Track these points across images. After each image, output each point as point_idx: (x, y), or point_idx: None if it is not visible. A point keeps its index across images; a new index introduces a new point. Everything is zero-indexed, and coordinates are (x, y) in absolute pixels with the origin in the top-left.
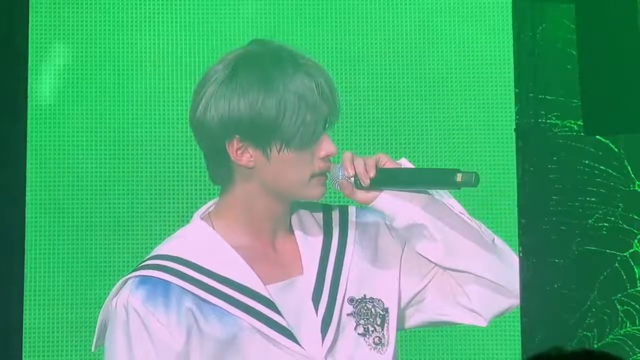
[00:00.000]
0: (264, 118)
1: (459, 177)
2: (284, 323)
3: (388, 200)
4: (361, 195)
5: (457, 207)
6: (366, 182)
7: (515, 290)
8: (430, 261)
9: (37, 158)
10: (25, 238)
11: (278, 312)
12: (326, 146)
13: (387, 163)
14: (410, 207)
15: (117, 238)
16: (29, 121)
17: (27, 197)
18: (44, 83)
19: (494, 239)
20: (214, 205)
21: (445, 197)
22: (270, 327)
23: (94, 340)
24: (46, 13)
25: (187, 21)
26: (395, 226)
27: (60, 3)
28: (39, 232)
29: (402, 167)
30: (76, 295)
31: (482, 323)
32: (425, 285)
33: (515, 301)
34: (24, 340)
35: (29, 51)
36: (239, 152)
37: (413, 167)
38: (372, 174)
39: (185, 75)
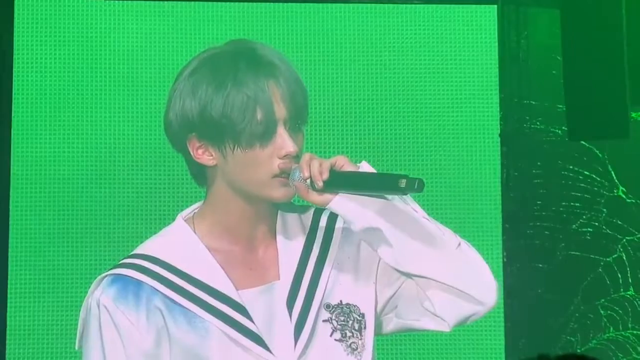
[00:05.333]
0: (212, 116)
1: (402, 183)
2: (254, 328)
3: (343, 204)
4: (316, 197)
5: (420, 212)
6: (319, 184)
7: (480, 297)
8: (390, 265)
9: (21, 160)
10: (9, 239)
11: (249, 317)
12: (285, 146)
13: (345, 165)
14: (364, 211)
15: (100, 239)
16: (13, 123)
17: (10, 199)
18: (28, 85)
19: (459, 244)
20: (199, 207)
21: (407, 201)
22: (239, 332)
23: (77, 337)
24: (31, 15)
25: (172, 22)
26: (352, 229)
27: (45, 6)
28: (22, 233)
29: (359, 170)
30: (59, 296)
31: (446, 328)
32: (396, 291)
33: (481, 308)
34: (7, 339)
35: (14, 53)
36: (199, 150)
37: (373, 170)
38: (325, 176)
39: (171, 75)
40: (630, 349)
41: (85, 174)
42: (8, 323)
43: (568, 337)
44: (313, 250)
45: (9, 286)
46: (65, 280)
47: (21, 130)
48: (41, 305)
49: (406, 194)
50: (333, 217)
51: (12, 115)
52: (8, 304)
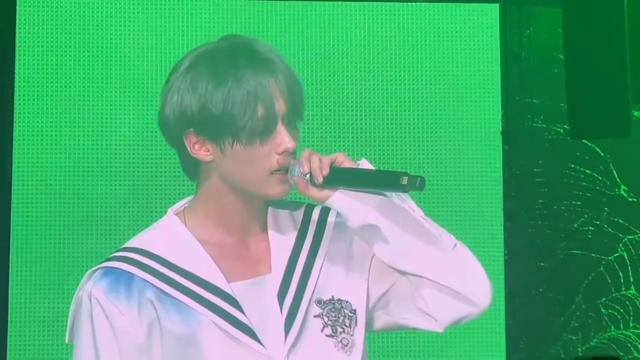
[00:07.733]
0: (212, 112)
1: (404, 180)
2: (245, 321)
3: (342, 200)
4: (315, 192)
5: (417, 212)
6: (319, 179)
7: (474, 298)
8: (384, 263)
9: (22, 157)
10: (10, 233)
11: (240, 309)
12: (284, 142)
13: (345, 162)
14: (363, 207)
15: (99, 234)
16: (15, 121)
17: (12, 194)
18: (30, 81)
19: (455, 245)
20: (190, 202)
21: (405, 200)
22: (231, 324)
23: (67, 331)
24: (33, 10)
25: (172, 18)
26: (349, 226)
27: (47, 3)
28: (24, 227)
29: (359, 167)
30: (59, 289)
31: (438, 328)
32: (389, 288)
33: (474, 309)
34: (9, 335)
35: (16, 51)
36: (196, 146)
37: (372, 168)
38: (325, 172)
39: (166, 71)
40: (632, 348)
41: (81, 169)
42: (9, 317)
43: (569, 336)
44: (305, 245)
45: (10, 279)
46: (63, 274)
47: (23, 127)
48: (42, 298)
49: (407, 192)
50: (325, 212)
51: (14, 114)
52: (9, 299)
